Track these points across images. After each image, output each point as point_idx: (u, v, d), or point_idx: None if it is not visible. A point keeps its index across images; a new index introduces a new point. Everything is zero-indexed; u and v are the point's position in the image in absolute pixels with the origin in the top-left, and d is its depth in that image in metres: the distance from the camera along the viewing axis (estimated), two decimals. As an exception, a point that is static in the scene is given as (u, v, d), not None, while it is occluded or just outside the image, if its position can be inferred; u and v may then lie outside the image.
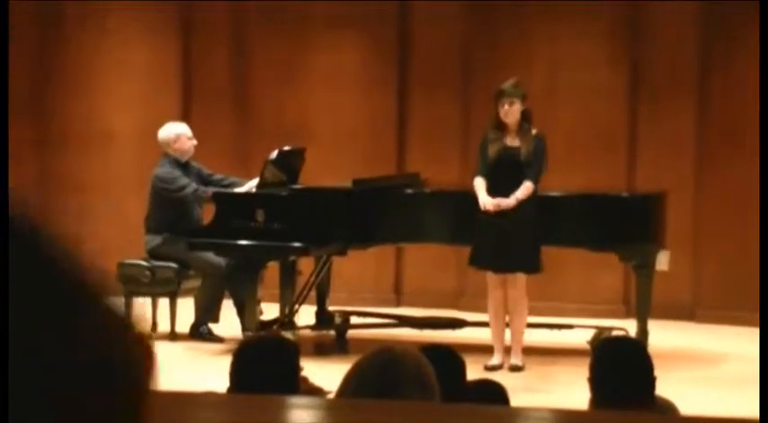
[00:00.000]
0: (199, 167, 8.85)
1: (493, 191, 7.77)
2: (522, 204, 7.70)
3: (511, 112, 7.75)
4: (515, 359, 7.87)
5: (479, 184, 7.81)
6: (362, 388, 2.72)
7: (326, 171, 9.43)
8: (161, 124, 9.07)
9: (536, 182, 7.75)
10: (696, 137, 9.82)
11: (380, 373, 2.73)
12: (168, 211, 8.61)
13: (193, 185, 8.56)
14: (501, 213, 7.70)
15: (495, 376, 6.54)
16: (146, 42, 10.70)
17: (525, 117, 7.82)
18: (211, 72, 10.65)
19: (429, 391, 2.75)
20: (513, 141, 7.79)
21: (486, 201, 7.72)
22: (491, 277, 7.88)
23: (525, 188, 7.69)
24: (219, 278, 8.52)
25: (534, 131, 7.83)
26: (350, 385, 2.76)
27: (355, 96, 10.40)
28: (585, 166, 9.71)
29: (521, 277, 7.84)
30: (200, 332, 8.71)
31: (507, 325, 7.96)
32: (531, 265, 7.80)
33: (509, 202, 7.66)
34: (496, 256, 7.77)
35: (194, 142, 8.83)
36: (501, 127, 7.80)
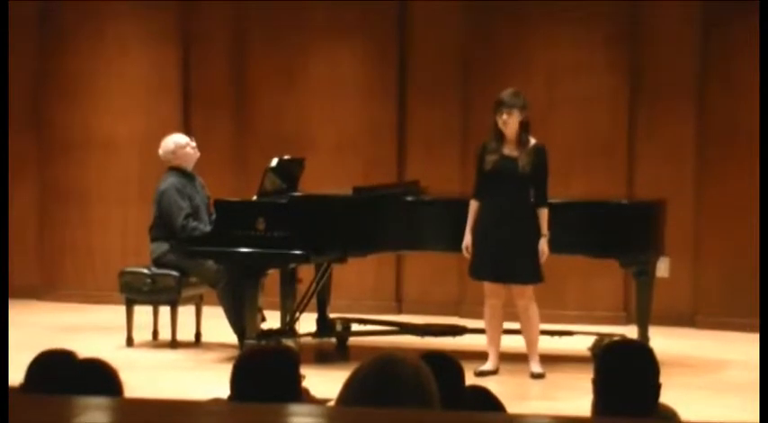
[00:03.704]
0: (203, 187, 8.82)
1: (491, 201, 7.77)
2: (519, 216, 7.71)
3: (509, 123, 7.72)
4: (536, 367, 7.86)
5: (471, 211, 7.82)
6: (362, 395, 2.72)
7: (326, 178, 9.44)
8: (161, 132, 9.07)
9: (547, 202, 7.74)
10: (696, 143, 9.81)
11: (380, 380, 2.74)
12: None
13: (182, 222, 8.50)
14: (500, 225, 7.71)
15: (488, 382, 6.56)
16: (145, 51, 10.71)
17: (524, 128, 7.79)
18: (211, 80, 10.66)
19: (428, 398, 2.76)
20: (511, 151, 7.77)
21: (465, 243, 7.79)
22: (488, 286, 7.88)
23: (543, 217, 7.70)
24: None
25: (533, 141, 7.82)
26: (349, 392, 2.77)
27: (354, 103, 10.40)
28: (585, 173, 9.71)
29: (526, 287, 7.86)
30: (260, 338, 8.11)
31: (504, 332, 8.00)
32: (532, 276, 7.79)
33: (546, 249, 7.67)
34: (496, 267, 7.77)
35: (194, 144, 8.81)
36: (500, 137, 7.78)
